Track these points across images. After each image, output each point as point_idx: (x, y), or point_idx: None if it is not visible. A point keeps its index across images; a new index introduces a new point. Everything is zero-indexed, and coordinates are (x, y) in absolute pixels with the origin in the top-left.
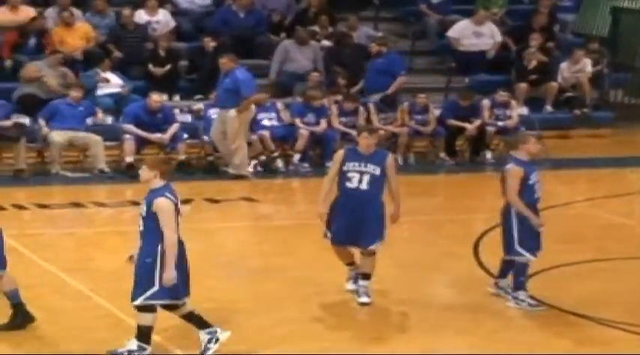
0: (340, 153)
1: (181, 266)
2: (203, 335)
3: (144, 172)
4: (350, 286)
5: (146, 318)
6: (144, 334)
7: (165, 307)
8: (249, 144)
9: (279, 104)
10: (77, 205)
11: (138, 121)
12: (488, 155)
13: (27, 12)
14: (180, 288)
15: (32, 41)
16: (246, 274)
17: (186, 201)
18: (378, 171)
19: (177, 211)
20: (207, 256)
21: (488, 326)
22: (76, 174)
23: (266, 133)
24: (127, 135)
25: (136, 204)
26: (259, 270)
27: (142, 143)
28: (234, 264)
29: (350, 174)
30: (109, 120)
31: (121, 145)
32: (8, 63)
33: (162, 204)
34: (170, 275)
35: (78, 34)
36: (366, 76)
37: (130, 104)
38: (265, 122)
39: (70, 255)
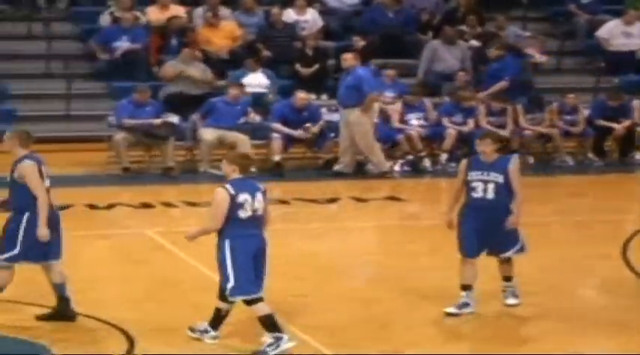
0: (464, 163)
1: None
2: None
3: (224, 166)
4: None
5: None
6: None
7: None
8: (397, 143)
9: (427, 103)
10: None
11: (284, 120)
12: (638, 156)
13: (176, 11)
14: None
15: (174, 41)
16: (391, 273)
17: (332, 200)
18: (501, 179)
19: (238, 205)
20: (352, 255)
21: (638, 327)
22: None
23: (414, 133)
24: (275, 134)
25: (283, 202)
26: (405, 269)
27: (289, 142)
28: (379, 263)
29: (474, 184)
30: (257, 119)
31: (267, 144)
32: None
33: (216, 194)
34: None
35: (224, 34)
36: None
37: (276, 103)
38: (413, 121)
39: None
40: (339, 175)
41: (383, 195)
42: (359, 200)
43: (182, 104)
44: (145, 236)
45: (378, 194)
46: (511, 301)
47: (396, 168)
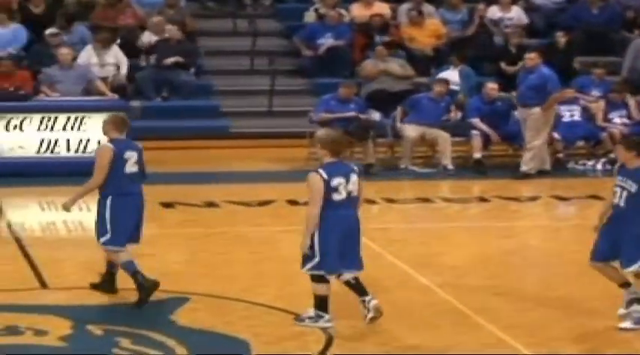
0: (617, 166)
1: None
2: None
3: (317, 150)
4: (620, 311)
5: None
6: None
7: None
8: (600, 142)
9: (631, 102)
10: (424, 200)
11: (481, 115)
12: None
13: (380, 8)
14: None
15: (377, 38)
16: (594, 272)
17: (533, 199)
18: (634, 189)
19: (332, 188)
20: (554, 254)
21: None
22: (423, 169)
23: (616, 131)
24: (474, 131)
25: (483, 200)
26: None
27: (488, 139)
28: (581, 262)
29: (615, 189)
30: (459, 116)
31: (467, 142)
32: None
33: (310, 179)
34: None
35: (428, 31)
36: None
37: (471, 99)
38: (616, 120)
39: (417, 250)
40: (542, 174)
41: (585, 193)
42: (560, 198)
43: (383, 101)
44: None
45: (580, 192)
46: (625, 325)
47: (598, 166)
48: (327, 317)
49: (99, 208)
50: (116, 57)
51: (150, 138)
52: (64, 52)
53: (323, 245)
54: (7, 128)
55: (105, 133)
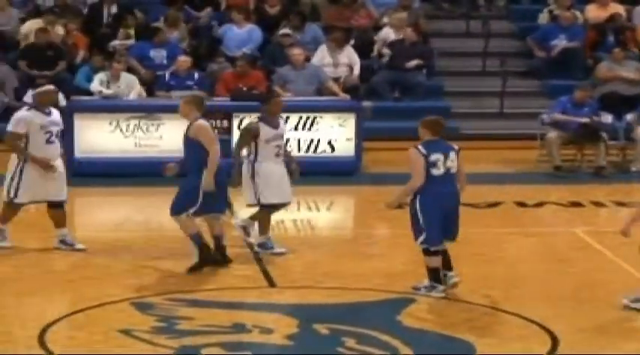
0: None
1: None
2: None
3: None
4: None
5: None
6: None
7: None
8: None
9: None
10: None
11: None
12: None
13: (616, 9)
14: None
15: (610, 39)
16: None
17: None
18: None
19: (431, 163)
20: None
21: None
22: None
23: None
24: None
25: None
26: None
27: None
28: None
29: None
30: None
31: None
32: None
33: (409, 153)
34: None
35: None
36: None
37: None
38: None
39: None
40: None
41: None
42: None
43: (616, 103)
44: (572, 235)
45: None
46: None
47: None
48: (440, 287)
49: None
50: (349, 57)
51: (381, 138)
52: (297, 53)
53: (427, 222)
54: (239, 127)
55: None
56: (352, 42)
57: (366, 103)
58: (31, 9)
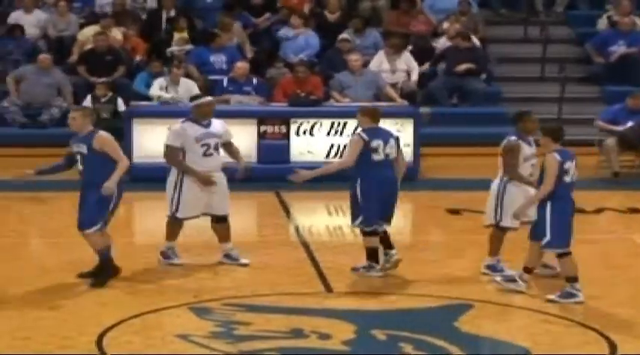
0: None
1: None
2: None
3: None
4: None
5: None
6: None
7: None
8: None
9: None
10: None
11: None
12: None
13: None
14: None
15: None
16: None
17: None
18: None
19: (372, 148)
20: None
21: None
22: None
23: None
24: None
25: None
26: None
27: None
28: None
29: None
30: None
31: None
32: None
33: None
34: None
35: None
36: None
37: None
38: None
39: None
40: None
41: None
42: None
43: None
44: (630, 241)
45: None
46: None
47: None
48: (377, 267)
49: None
50: (407, 63)
51: (439, 144)
52: (354, 58)
53: (365, 205)
54: (297, 133)
55: None
56: (410, 48)
57: (424, 109)
58: (88, 14)
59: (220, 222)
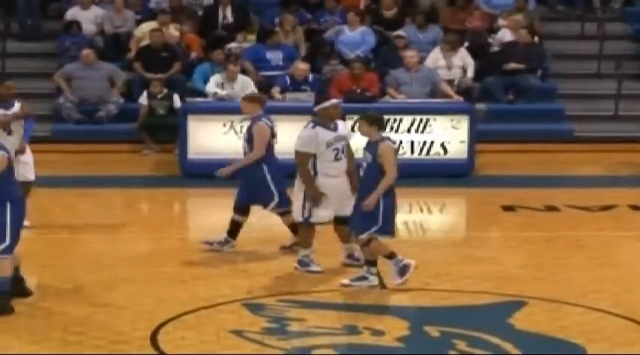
0: None
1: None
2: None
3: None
4: None
5: None
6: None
7: None
8: None
9: None
10: None
11: None
12: None
13: None
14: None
15: None
16: None
17: None
18: None
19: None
20: None
21: None
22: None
23: None
24: None
25: None
26: None
27: None
28: None
29: None
30: None
31: None
32: None
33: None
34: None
35: None
36: None
37: None
38: None
39: None
40: None
41: None
42: None
43: None
44: None
45: None
46: None
47: None
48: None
49: None
50: (463, 59)
51: (496, 140)
52: (410, 55)
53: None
54: (353, 129)
55: None
56: (466, 44)
57: (480, 106)
58: (143, 10)
59: (342, 224)
